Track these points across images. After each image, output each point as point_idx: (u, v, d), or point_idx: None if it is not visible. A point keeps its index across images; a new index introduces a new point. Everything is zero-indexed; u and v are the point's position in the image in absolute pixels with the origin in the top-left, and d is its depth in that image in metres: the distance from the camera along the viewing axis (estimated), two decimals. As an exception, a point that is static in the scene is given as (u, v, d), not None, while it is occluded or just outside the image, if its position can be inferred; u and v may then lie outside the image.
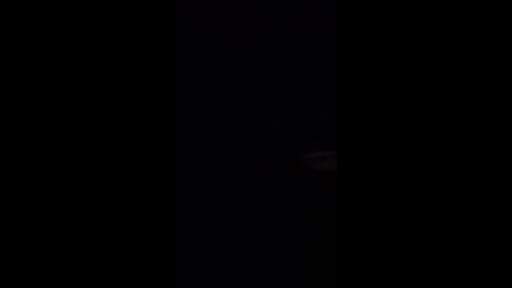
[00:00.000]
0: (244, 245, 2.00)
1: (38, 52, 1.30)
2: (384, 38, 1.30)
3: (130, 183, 1.32)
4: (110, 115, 1.32)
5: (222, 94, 2.15)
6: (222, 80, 2.16)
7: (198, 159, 2.08)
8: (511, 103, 1.25)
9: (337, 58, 1.34)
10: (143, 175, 1.32)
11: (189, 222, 2.00)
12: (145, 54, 1.34)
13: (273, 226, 2.01)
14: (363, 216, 1.29)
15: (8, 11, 1.29)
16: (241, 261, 1.98)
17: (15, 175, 1.28)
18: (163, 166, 1.34)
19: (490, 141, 1.26)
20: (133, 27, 1.33)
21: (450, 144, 1.27)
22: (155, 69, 1.34)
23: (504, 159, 1.25)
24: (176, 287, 1.47)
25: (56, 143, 1.30)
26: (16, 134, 1.28)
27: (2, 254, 1.27)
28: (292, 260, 1.96)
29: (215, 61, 2.15)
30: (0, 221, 1.27)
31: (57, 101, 1.30)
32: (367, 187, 1.29)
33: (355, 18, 1.31)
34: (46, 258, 1.28)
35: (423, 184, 1.27)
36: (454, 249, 1.26)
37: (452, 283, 1.25)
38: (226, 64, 2.16)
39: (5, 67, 1.29)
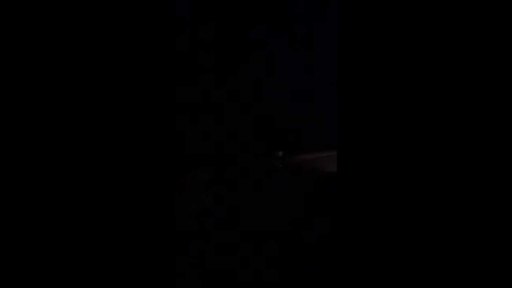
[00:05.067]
0: (244, 245, 2.00)
1: (38, 52, 1.30)
2: (384, 40, 1.30)
3: (131, 184, 1.32)
4: (108, 117, 1.32)
5: (222, 95, 2.16)
6: (223, 81, 2.16)
7: (197, 159, 2.09)
8: (511, 103, 1.26)
9: (338, 60, 1.34)
10: (144, 175, 1.33)
11: (188, 222, 2.01)
12: (146, 57, 1.34)
13: (273, 226, 2.01)
14: (363, 216, 1.29)
15: (8, 11, 1.29)
16: (240, 261, 1.98)
17: (15, 175, 1.28)
18: (163, 166, 1.34)
19: (487, 142, 1.26)
20: (133, 28, 1.33)
21: (448, 145, 1.28)
22: (155, 71, 1.34)
23: (504, 159, 1.25)
24: (176, 287, 1.47)
25: (56, 143, 1.30)
26: (15, 134, 1.29)
27: (2, 254, 1.27)
28: (291, 260, 1.96)
29: (216, 61, 2.15)
30: (0, 221, 1.28)
31: (57, 101, 1.31)
32: (367, 187, 1.29)
33: (355, 19, 1.31)
34: (46, 258, 1.29)
35: (423, 184, 1.28)
36: (453, 248, 1.26)
37: (451, 282, 1.26)
38: (227, 64, 2.16)
39: (5, 67, 1.29)
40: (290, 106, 2.20)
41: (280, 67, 2.20)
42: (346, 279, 1.29)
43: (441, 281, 1.26)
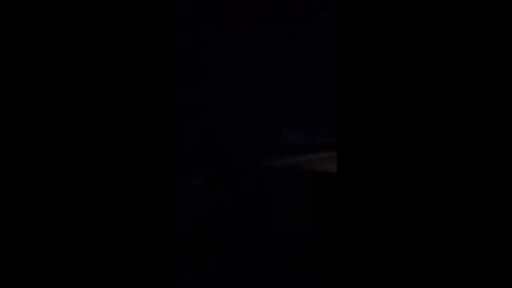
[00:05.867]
0: (244, 245, 2.00)
1: (37, 51, 1.30)
2: (384, 40, 1.30)
3: (130, 184, 1.32)
4: (107, 118, 1.32)
5: (222, 94, 2.15)
6: (223, 80, 2.16)
7: (197, 159, 2.08)
8: (511, 103, 1.26)
9: (338, 60, 1.34)
10: (144, 175, 1.33)
11: (188, 222, 2.00)
12: (146, 57, 1.34)
13: (273, 226, 2.01)
14: (363, 216, 1.29)
15: (8, 11, 1.29)
16: (240, 261, 1.98)
17: (15, 175, 1.28)
18: (163, 166, 1.34)
19: (488, 142, 1.26)
20: (131, 28, 1.33)
21: (449, 145, 1.28)
22: (155, 71, 1.34)
23: (504, 159, 1.25)
24: (176, 287, 1.47)
25: (54, 142, 1.30)
26: (16, 134, 1.29)
27: (2, 254, 1.27)
28: (292, 260, 1.96)
29: (216, 61, 2.15)
30: (0, 221, 1.27)
31: (55, 101, 1.31)
32: (367, 187, 1.29)
33: (355, 19, 1.31)
34: (46, 258, 1.29)
35: (424, 184, 1.28)
36: (453, 248, 1.26)
37: (452, 282, 1.26)
38: (227, 64, 2.16)
39: (5, 67, 1.29)
40: (290, 106, 2.20)
41: (280, 67, 2.20)
42: (346, 279, 1.29)
43: (441, 281, 1.26)
